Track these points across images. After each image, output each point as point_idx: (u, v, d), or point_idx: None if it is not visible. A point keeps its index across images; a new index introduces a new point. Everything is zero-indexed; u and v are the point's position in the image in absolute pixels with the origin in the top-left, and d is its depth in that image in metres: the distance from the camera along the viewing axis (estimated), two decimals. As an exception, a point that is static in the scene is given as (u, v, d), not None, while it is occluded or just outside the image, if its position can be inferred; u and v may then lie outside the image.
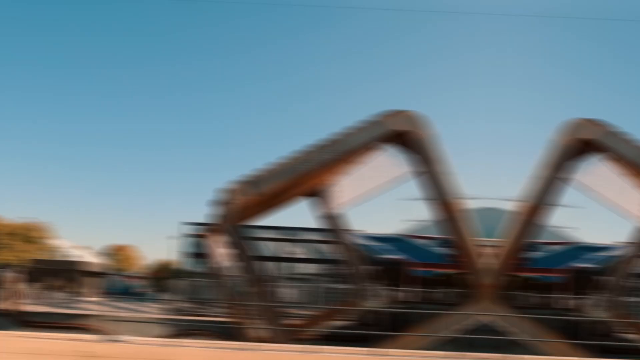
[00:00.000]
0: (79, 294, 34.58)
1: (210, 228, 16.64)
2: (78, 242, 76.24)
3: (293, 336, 20.36)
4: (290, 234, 38.34)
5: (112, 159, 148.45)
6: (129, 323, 22.75)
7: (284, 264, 35.92)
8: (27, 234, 44.10)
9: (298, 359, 10.02)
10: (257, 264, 17.21)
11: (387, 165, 17.16)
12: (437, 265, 31.86)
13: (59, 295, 29.69)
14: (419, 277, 32.27)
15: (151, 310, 27.84)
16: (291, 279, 37.11)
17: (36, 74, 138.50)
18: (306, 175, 16.30)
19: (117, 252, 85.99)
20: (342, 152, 15.56)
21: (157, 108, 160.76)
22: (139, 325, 22.48)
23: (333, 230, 24.18)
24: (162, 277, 60.32)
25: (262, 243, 34.95)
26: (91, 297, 34.21)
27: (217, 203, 15.50)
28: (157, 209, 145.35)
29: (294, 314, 26.47)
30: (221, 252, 16.32)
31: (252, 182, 15.08)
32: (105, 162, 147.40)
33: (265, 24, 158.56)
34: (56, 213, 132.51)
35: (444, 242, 27.12)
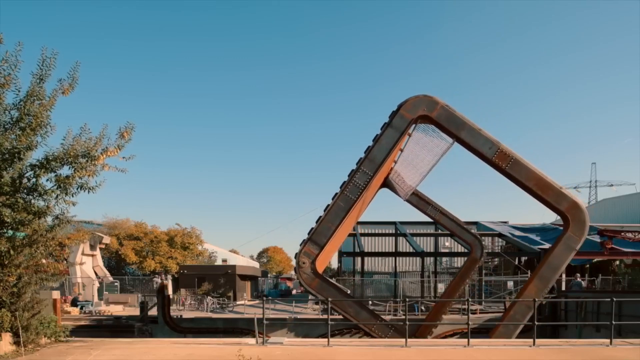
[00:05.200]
0: (232, 298, 35.65)
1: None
2: (230, 246, 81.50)
3: (429, 331, 20.62)
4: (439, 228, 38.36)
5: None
6: (285, 325, 23.25)
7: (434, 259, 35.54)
8: (183, 241, 46.37)
9: (448, 354, 9.96)
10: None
11: (427, 142, 17.08)
12: (588, 254, 29.44)
13: (213, 300, 30.77)
14: (572, 266, 30.33)
15: (305, 311, 28.60)
16: (442, 273, 36.88)
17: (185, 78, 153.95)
18: (359, 200, 16.27)
19: (268, 254, 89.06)
20: (380, 162, 15.49)
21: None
22: (296, 327, 23.24)
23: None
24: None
25: (410, 238, 35.61)
26: (244, 300, 35.08)
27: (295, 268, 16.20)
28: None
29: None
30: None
31: (311, 242, 15.50)
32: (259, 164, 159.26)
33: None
34: (205, 218, 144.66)
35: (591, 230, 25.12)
